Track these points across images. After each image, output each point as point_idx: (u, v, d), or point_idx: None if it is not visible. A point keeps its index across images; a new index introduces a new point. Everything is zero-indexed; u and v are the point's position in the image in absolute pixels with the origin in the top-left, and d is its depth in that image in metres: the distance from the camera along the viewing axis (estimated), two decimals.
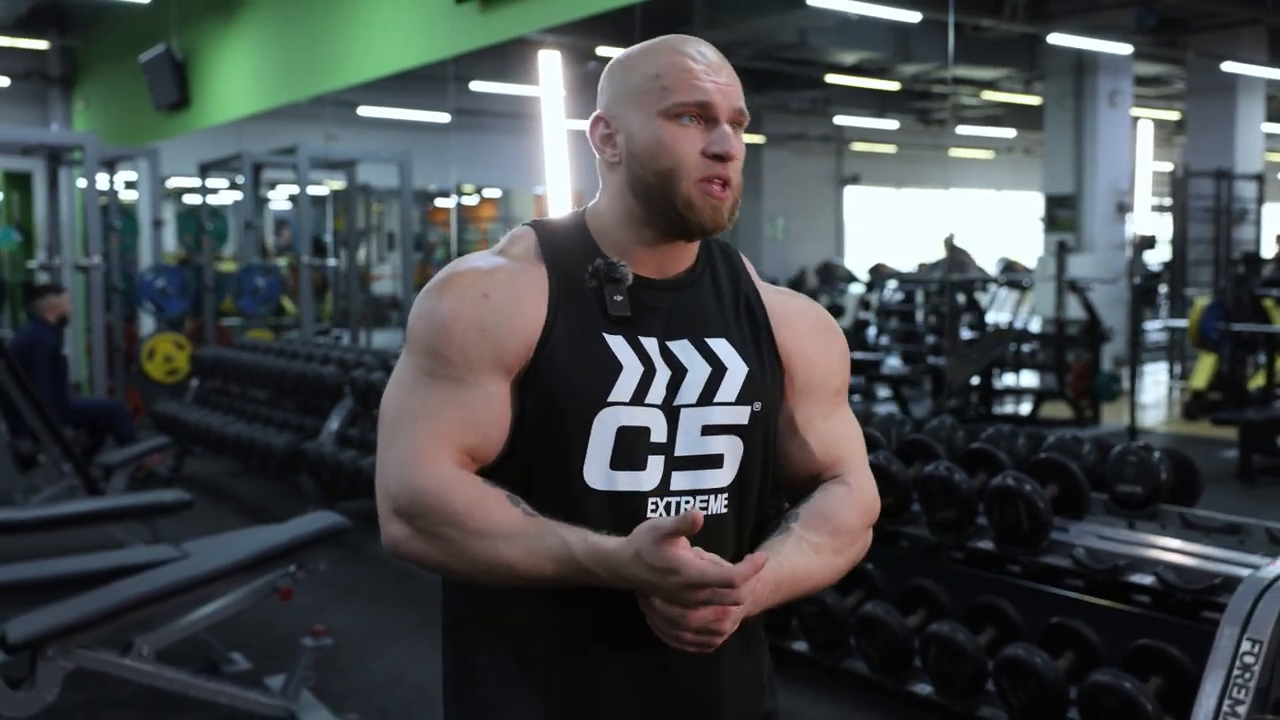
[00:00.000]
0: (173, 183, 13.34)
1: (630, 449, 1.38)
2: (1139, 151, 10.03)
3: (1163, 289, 13.25)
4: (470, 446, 1.37)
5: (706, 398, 1.42)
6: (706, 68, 1.40)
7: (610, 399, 1.37)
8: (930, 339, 11.04)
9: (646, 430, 1.39)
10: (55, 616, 3.54)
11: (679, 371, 1.41)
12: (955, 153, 19.61)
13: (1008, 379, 10.84)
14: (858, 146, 19.04)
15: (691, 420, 1.41)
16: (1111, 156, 12.25)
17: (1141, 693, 2.97)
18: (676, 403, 1.40)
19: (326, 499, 6.18)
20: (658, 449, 1.40)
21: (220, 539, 4.28)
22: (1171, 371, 11.79)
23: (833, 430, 1.53)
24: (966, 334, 11.24)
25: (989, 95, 15.00)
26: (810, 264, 16.74)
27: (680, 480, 1.41)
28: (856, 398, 10.74)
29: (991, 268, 14.40)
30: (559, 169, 2.85)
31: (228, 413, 7.63)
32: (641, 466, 1.39)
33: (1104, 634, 3.39)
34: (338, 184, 11.61)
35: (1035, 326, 11.28)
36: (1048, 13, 11.20)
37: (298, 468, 6.48)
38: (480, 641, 1.46)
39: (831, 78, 13.85)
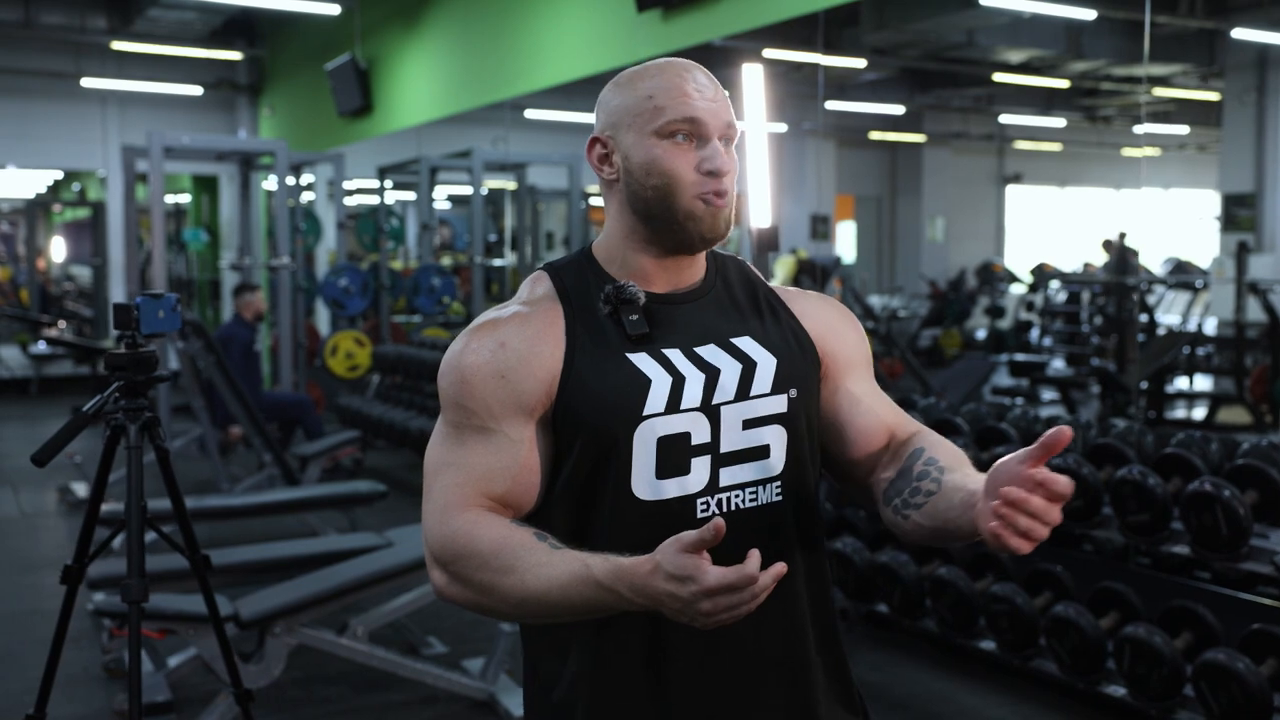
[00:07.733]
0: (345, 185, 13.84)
1: (673, 456, 1.43)
2: None
3: None
4: (499, 493, 1.42)
5: (743, 393, 1.46)
6: (696, 86, 1.45)
7: (645, 413, 1.42)
8: (1095, 340, 10.82)
9: (687, 435, 1.43)
10: (281, 596, 3.80)
11: (712, 373, 1.46)
12: (1128, 151, 19.10)
13: (1180, 383, 10.56)
14: (1021, 145, 18.69)
15: (732, 416, 1.45)
16: None
17: None
18: (715, 401, 1.45)
19: None
20: (701, 450, 1.44)
21: (419, 527, 4.50)
22: None
23: (880, 394, 1.60)
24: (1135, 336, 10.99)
25: (1159, 91, 14.60)
26: (970, 264, 16.53)
27: (729, 475, 1.45)
28: (1021, 400, 10.61)
29: (1157, 267, 14.02)
30: (757, 170, 2.97)
31: (409, 408, 7.93)
32: (686, 470, 1.43)
33: None
34: (497, 184, 11.89)
35: (1209, 329, 10.96)
36: (1229, 6, 10.89)
37: None
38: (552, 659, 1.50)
39: (998, 76, 13.65)
